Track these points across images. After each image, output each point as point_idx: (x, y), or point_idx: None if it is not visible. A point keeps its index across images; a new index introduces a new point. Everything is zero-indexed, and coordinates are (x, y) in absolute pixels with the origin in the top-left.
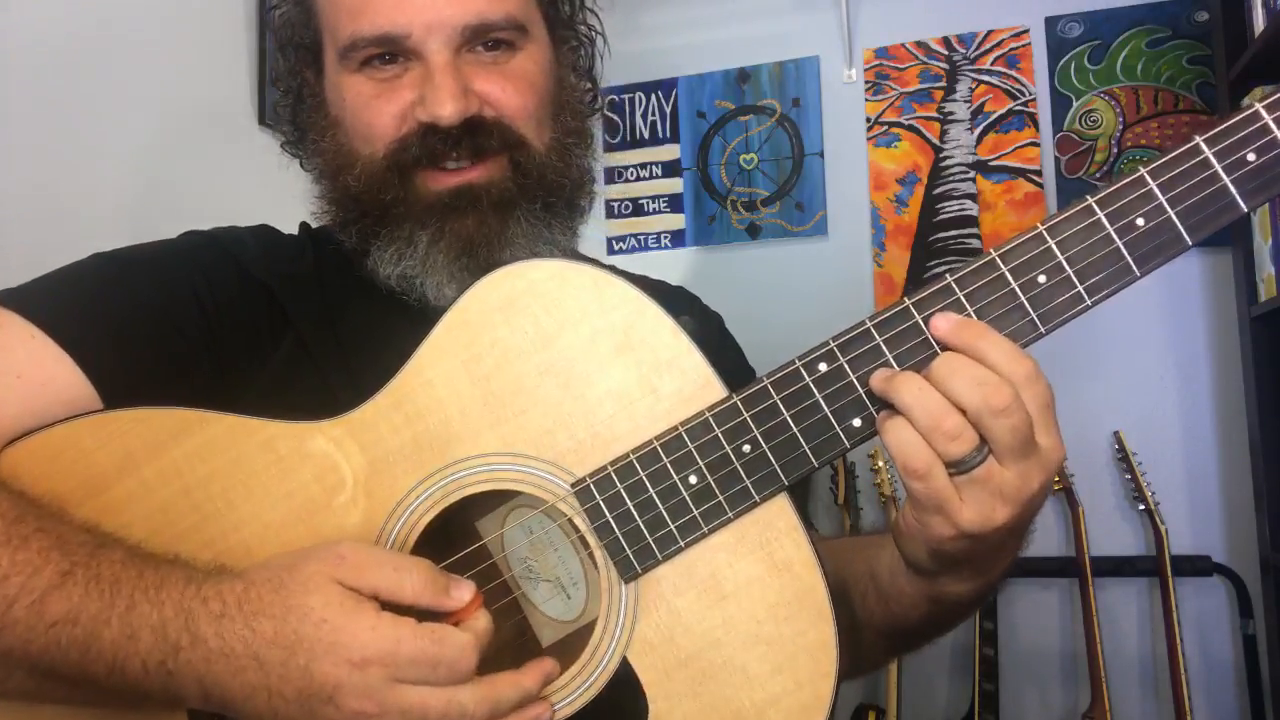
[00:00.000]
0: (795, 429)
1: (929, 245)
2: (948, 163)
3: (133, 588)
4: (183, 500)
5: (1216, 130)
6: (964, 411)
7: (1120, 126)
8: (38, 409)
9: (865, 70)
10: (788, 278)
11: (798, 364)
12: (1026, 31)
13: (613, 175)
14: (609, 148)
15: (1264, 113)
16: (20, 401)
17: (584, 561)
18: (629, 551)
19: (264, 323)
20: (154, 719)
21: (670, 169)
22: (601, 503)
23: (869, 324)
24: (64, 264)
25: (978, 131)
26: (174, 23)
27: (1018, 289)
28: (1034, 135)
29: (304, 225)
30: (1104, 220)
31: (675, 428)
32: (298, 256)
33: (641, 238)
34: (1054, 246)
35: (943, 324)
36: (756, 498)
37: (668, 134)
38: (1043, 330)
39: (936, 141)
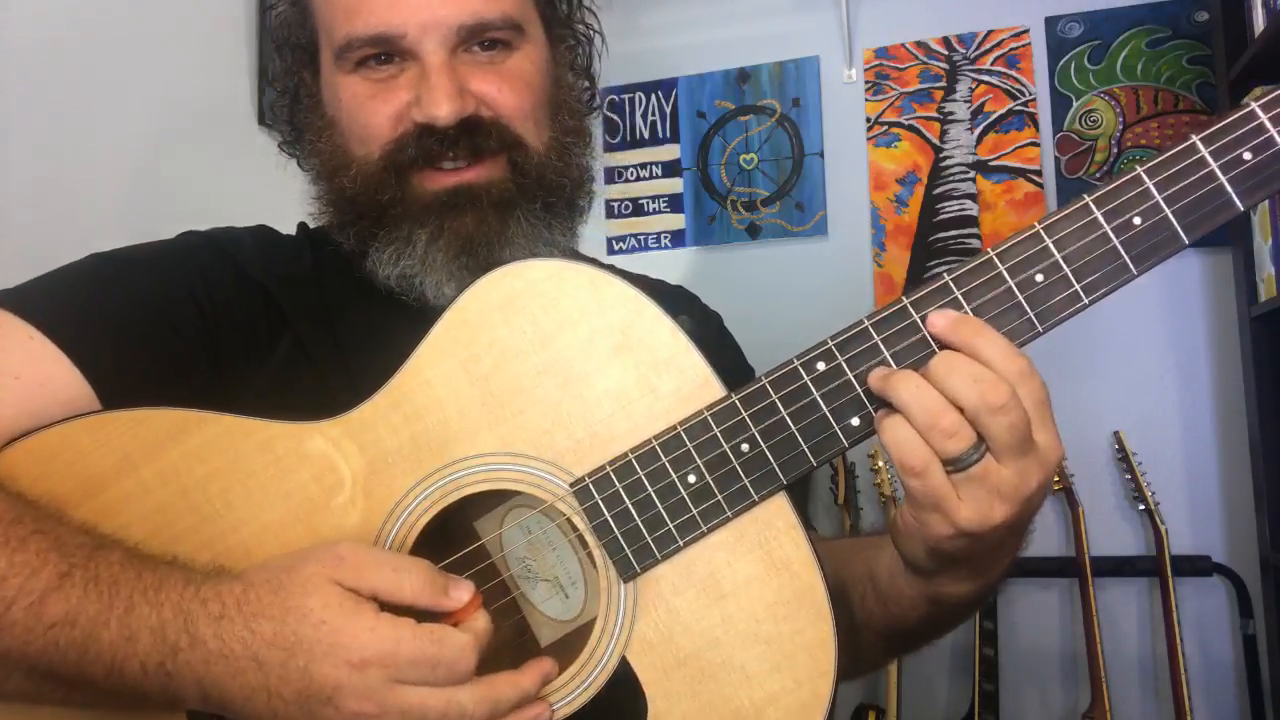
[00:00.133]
0: (794, 428)
1: (929, 245)
2: (948, 163)
3: (131, 589)
4: (181, 501)
5: (1212, 129)
6: (961, 409)
7: (1120, 126)
8: (35, 409)
9: (865, 70)
10: (788, 278)
11: (796, 363)
12: (1026, 31)
13: (613, 175)
14: (609, 148)
15: (1260, 111)
16: (18, 402)
17: (583, 561)
18: (628, 551)
19: (262, 323)
20: None
21: (670, 169)
22: (600, 502)
23: (867, 323)
24: (62, 264)
25: (978, 131)
26: (173, 23)
27: (1015, 288)
28: (1034, 135)
29: (302, 225)
30: (1101, 219)
31: (674, 427)
32: (295, 257)
33: (641, 238)
34: (1051, 245)
35: (939, 321)
36: (755, 497)
37: (668, 134)
38: (1040, 329)
39: (936, 141)
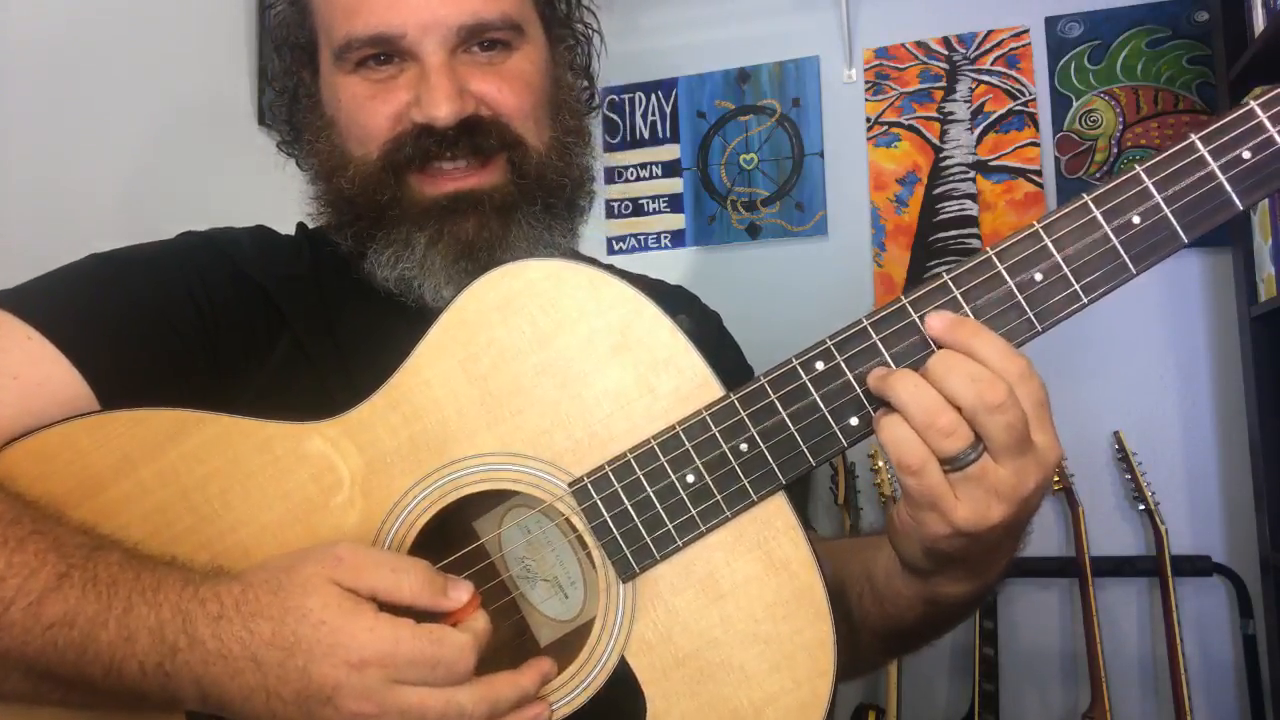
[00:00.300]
0: (792, 428)
1: (929, 245)
2: (948, 163)
3: (130, 589)
4: (180, 501)
5: (1212, 128)
6: (959, 409)
7: (1120, 126)
8: (34, 410)
9: (865, 70)
10: (788, 278)
11: (795, 363)
12: (1026, 31)
13: (613, 175)
14: (609, 148)
15: (1259, 110)
16: (16, 402)
17: (582, 561)
18: (626, 551)
19: (260, 323)
20: None
21: (670, 169)
22: (599, 502)
23: (866, 323)
24: (62, 264)
25: (978, 131)
26: (173, 23)
27: (1014, 287)
28: (1034, 135)
29: (300, 226)
30: (1100, 218)
31: (672, 427)
32: (294, 257)
33: (641, 238)
34: (1050, 245)
35: (937, 322)
36: (754, 497)
37: (668, 134)
38: (1039, 328)
39: (936, 141)
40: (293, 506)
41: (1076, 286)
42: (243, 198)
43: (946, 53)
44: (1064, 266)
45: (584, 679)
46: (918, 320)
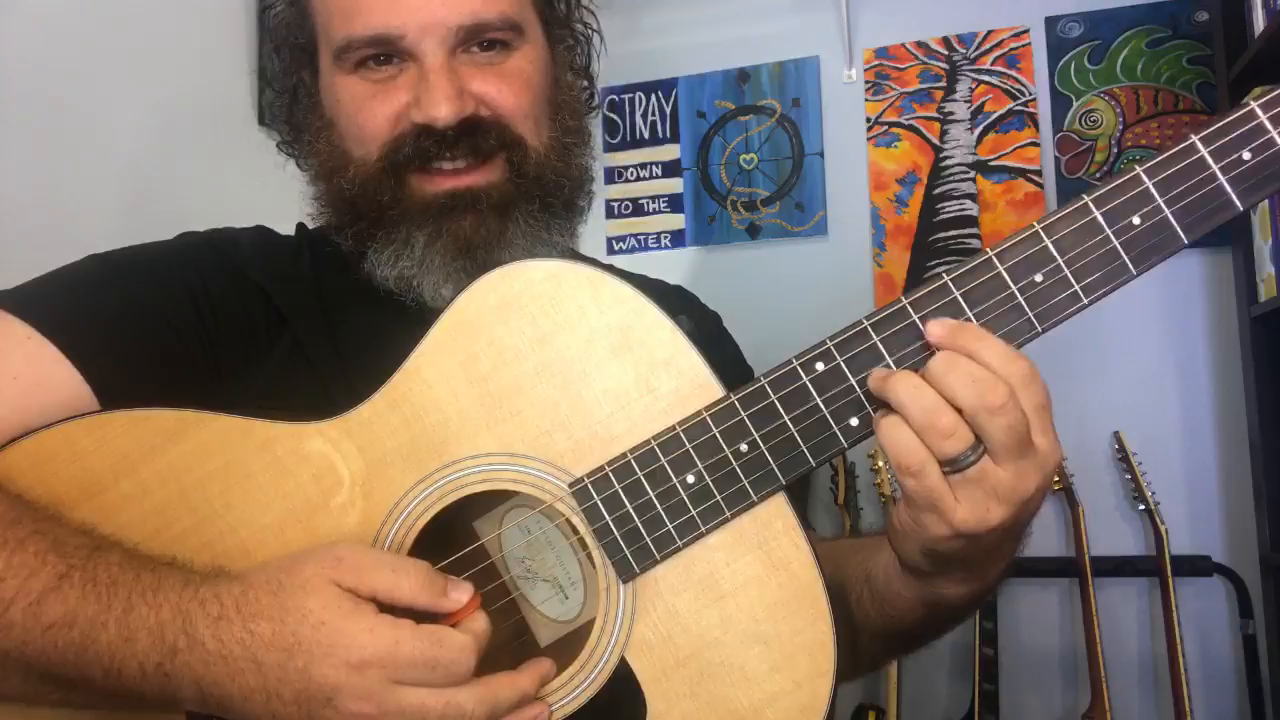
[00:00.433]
0: (793, 429)
1: (929, 245)
2: (948, 163)
3: (130, 590)
4: (180, 502)
5: (1212, 129)
6: (960, 410)
7: (1120, 126)
8: (34, 410)
9: (865, 70)
10: (788, 278)
11: (795, 364)
12: (1026, 31)
13: (613, 175)
14: (609, 148)
15: (1259, 111)
16: (16, 402)
17: (582, 562)
18: (627, 551)
19: (260, 323)
20: None
21: (670, 169)
22: (599, 503)
23: (866, 324)
24: (61, 264)
25: (978, 131)
26: (173, 23)
27: (1015, 289)
28: (1034, 135)
29: (300, 226)
30: (1100, 219)
31: (673, 427)
32: (294, 258)
33: (641, 238)
34: (1050, 246)
35: (937, 329)
36: (754, 497)
37: (668, 134)
38: (1039, 329)
39: (936, 141)
40: (293, 507)
41: (1077, 287)
42: (243, 198)
43: (946, 53)
44: (1064, 267)
45: (584, 679)
46: (918, 321)
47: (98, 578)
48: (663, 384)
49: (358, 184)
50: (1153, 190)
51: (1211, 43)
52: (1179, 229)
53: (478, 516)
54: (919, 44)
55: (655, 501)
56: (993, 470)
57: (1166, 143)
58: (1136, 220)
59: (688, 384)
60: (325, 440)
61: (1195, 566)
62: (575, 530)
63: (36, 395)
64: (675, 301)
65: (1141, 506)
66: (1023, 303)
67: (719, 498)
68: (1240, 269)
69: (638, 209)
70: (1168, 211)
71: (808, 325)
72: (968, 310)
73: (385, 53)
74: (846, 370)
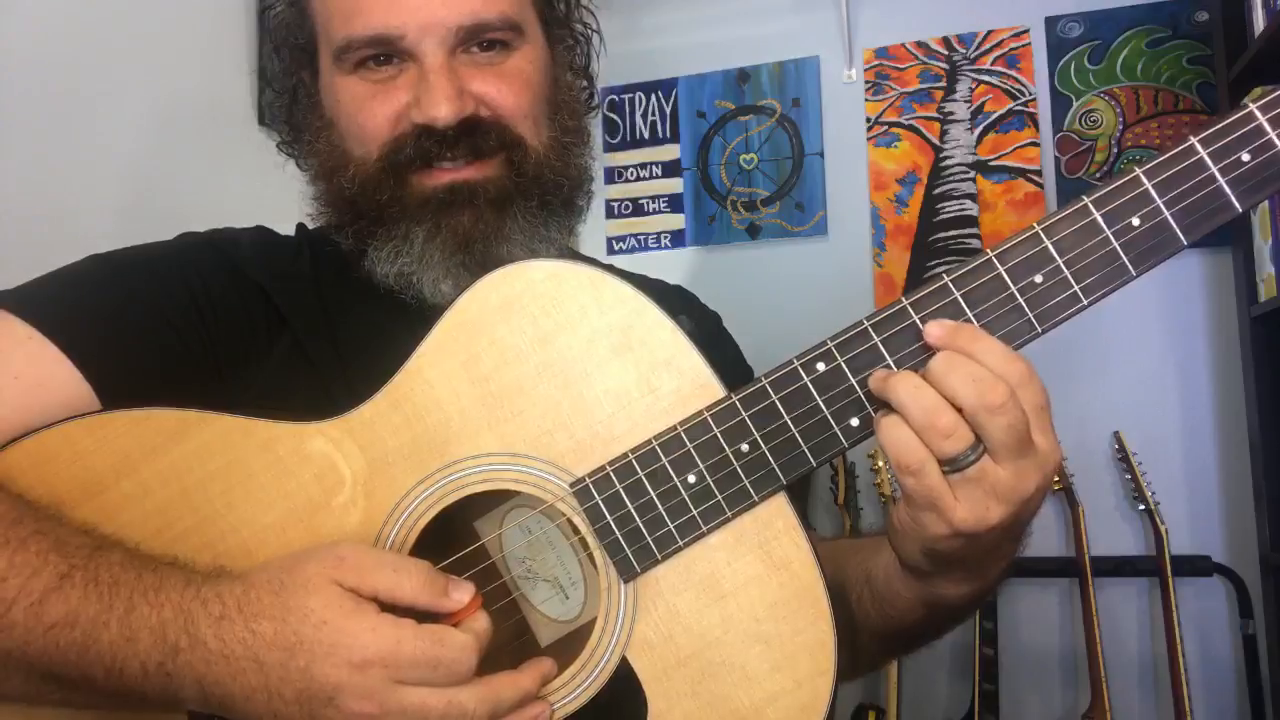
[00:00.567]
0: (794, 429)
1: (929, 245)
2: (948, 163)
3: (131, 590)
4: (181, 502)
5: (1211, 130)
6: (960, 410)
7: (1120, 126)
8: (35, 410)
9: (865, 70)
10: (788, 278)
11: (796, 364)
12: (1026, 31)
13: (613, 175)
14: (609, 148)
15: (1258, 113)
16: (17, 402)
17: (583, 561)
18: (628, 551)
19: (260, 323)
20: None
21: (670, 169)
22: (600, 503)
23: (866, 324)
24: (61, 264)
25: (978, 131)
26: (173, 22)
27: (1015, 290)
28: (1034, 135)
29: (300, 226)
30: (1100, 220)
31: (674, 427)
32: (294, 257)
33: (641, 238)
34: (1050, 247)
35: (936, 330)
36: (755, 497)
37: (668, 134)
38: (1039, 330)
39: (936, 141)
40: (295, 507)
41: (1077, 288)
42: (243, 198)
43: (946, 53)
44: (1064, 268)
45: (585, 679)
46: (918, 322)
47: (99, 577)
48: (664, 384)
49: (358, 184)
50: (1152, 191)
51: (1211, 43)
52: (1178, 230)
53: (479, 516)
54: (919, 44)
55: (656, 501)
56: (992, 470)
57: (1166, 143)
58: (1136, 221)
59: (689, 384)
60: (327, 440)
61: (1195, 566)
62: (576, 530)
63: (38, 395)
64: (675, 301)
65: (1141, 506)
66: (1023, 303)
67: (720, 497)
68: (1240, 269)
69: (638, 209)
70: (1167, 213)
71: (808, 325)
72: (968, 311)
73: (385, 53)
74: (847, 370)
